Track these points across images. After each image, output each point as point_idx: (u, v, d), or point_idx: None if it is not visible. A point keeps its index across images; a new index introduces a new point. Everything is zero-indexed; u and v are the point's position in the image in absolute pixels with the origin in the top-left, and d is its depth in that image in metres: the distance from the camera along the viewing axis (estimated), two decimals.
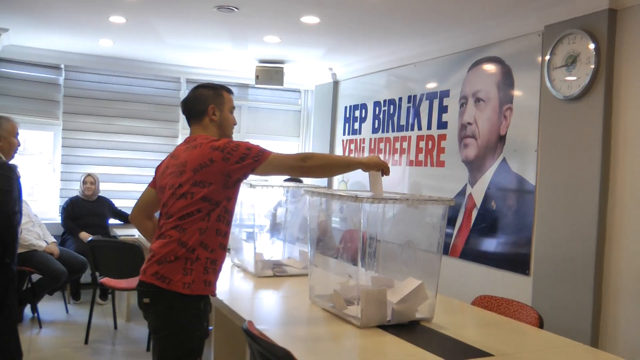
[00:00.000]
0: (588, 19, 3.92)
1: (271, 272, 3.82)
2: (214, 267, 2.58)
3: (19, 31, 6.02)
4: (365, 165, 2.72)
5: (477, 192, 4.92)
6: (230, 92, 2.86)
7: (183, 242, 2.51)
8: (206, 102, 2.76)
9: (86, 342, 4.92)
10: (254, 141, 2.62)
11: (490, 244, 4.75)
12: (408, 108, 5.94)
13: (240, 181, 2.60)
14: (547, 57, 4.18)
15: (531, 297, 4.24)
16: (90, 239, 5.49)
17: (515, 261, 4.49)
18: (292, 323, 2.85)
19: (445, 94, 5.39)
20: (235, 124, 2.85)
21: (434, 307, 2.77)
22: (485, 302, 3.24)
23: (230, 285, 3.71)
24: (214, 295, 2.64)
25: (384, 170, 2.74)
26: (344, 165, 2.93)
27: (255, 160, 2.53)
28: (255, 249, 3.87)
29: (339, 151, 7.24)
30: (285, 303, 3.30)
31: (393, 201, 2.70)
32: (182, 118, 7.54)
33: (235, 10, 4.70)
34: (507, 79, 4.69)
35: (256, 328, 2.28)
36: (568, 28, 4.04)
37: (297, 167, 2.59)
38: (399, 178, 5.97)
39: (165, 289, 2.48)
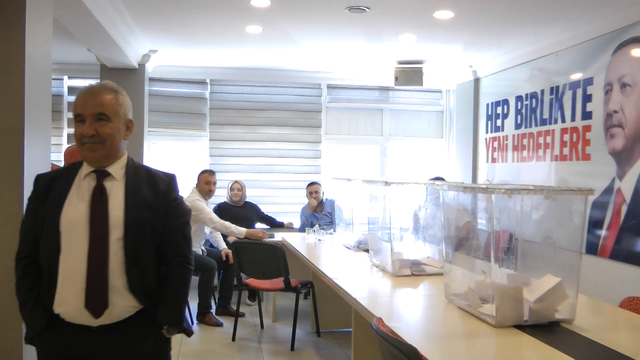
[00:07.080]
0: None
1: (409, 272, 3.82)
2: None
3: (166, 51, 6.52)
4: None
5: (627, 186, 4.58)
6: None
7: None
8: None
9: (233, 339, 5.17)
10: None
11: None
12: (551, 100, 5.66)
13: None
14: None
15: None
16: (233, 241, 5.76)
17: None
18: (426, 321, 2.84)
19: (589, 81, 5.07)
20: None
21: (575, 308, 2.61)
22: (635, 304, 2.98)
23: (369, 284, 3.76)
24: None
25: None
26: None
27: None
28: (392, 248, 3.88)
29: (482, 150, 7.07)
30: (420, 301, 3.28)
31: (527, 191, 2.58)
32: (325, 123, 7.84)
33: (367, 10, 4.72)
34: None
35: (386, 325, 2.29)
36: None
37: None
38: (545, 175, 5.70)
39: None
